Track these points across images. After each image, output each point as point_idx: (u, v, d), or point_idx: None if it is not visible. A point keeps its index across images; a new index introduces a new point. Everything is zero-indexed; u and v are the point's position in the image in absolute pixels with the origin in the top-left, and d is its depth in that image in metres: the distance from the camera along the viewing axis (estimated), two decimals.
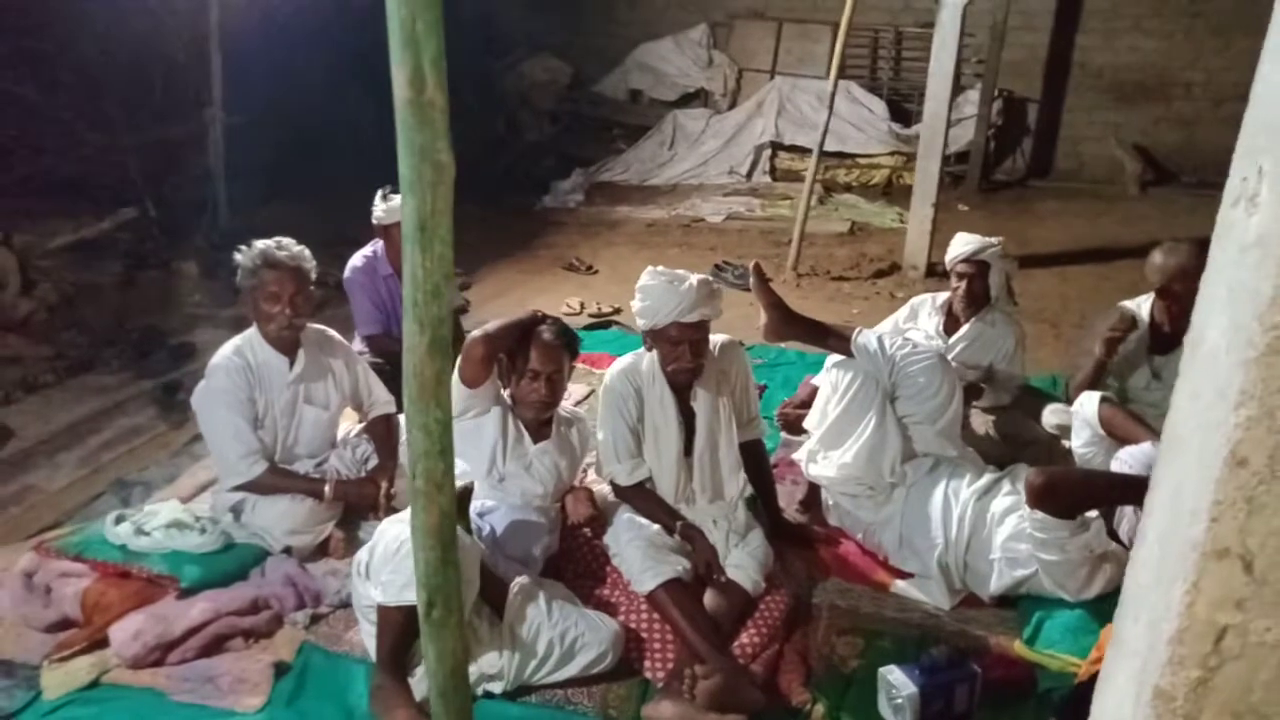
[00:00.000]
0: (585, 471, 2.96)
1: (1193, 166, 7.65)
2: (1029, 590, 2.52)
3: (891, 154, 7.77)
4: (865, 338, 2.79)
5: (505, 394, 2.63)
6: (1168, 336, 3.16)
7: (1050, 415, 3.32)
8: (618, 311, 5.12)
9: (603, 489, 2.80)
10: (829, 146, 7.31)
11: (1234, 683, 0.65)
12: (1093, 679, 2.04)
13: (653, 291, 2.55)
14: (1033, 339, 4.10)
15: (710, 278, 2.65)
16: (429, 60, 0.84)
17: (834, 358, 2.93)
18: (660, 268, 2.63)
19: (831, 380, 2.83)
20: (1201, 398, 0.63)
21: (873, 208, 7.16)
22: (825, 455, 2.81)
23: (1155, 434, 2.60)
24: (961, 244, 3.38)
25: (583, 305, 5.22)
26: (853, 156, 7.83)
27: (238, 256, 2.67)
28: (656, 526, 2.56)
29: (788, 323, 2.91)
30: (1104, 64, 7.83)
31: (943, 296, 3.51)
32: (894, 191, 7.50)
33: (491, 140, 8.35)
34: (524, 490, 2.55)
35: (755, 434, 2.82)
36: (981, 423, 3.31)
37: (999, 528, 2.53)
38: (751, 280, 2.89)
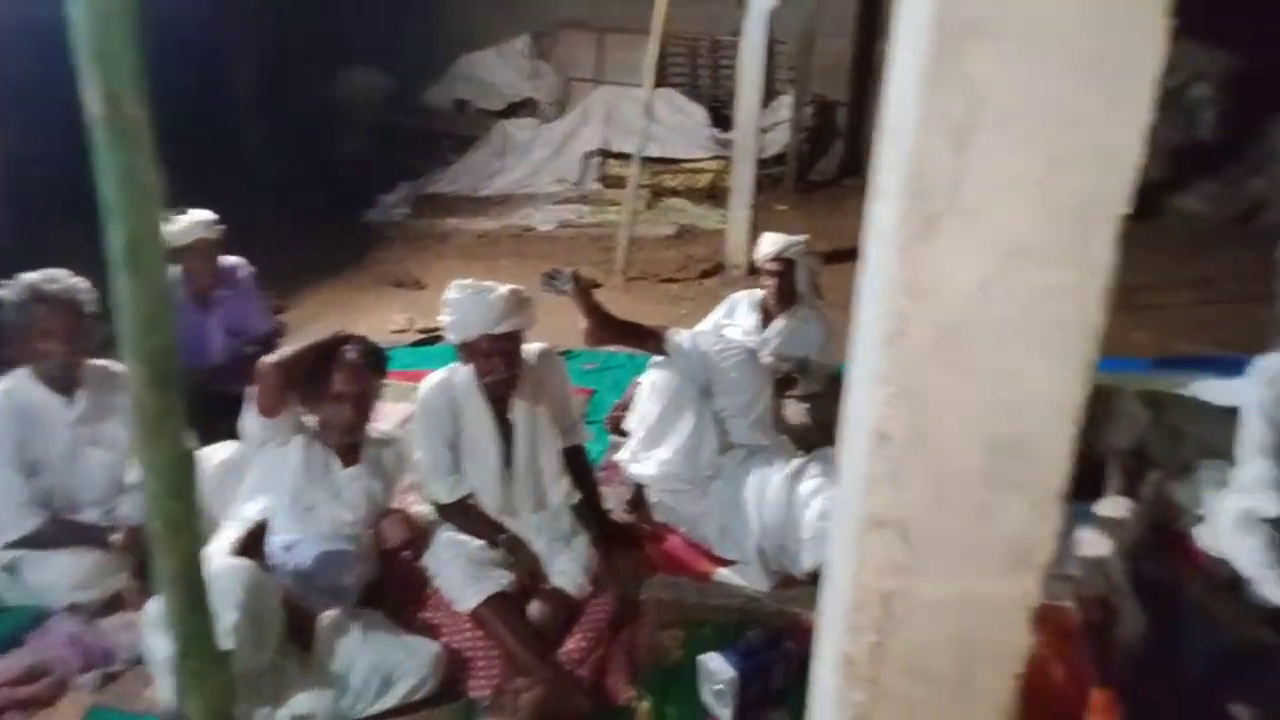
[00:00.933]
0: (408, 493, 2.89)
1: None
2: None
3: (714, 159, 8.01)
4: (679, 337, 2.87)
5: (312, 420, 2.53)
6: None
7: None
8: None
9: (423, 509, 2.74)
10: (656, 153, 7.48)
11: (905, 644, 0.70)
12: None
13: (460, 305, 2.53)
14: (845, 328, 4.33)
15: (522, 287, 2.65)
16: (124, 72, 0.80)
17: (654, 358, 3.00)
18: (468, 280, 2.61)
19: (650, 380, 2.90)
20: (859, 380, 0.69)
21: (699, 211, 7.37)
22: (647, 454, 2.87)
23: None
24: (769, 244, 3.55)
25: (410, 322, 5.10)
26: (678, 162, 8.02)
27: (1, 293, 2.45)
28: (478, 542, 2.53)
29: (605, 326, 2.96)
30: None
31: (758, 294, 3.66)
32: (719, 194, 7.73)
33: (313, 154, 8.02)
34: (334, 518, 2.46)
35: (577, 440, 2.84)
36: (797, 411, 3.46)
37: (807, 509, 2.66)
38: (569, 287, 2.92)
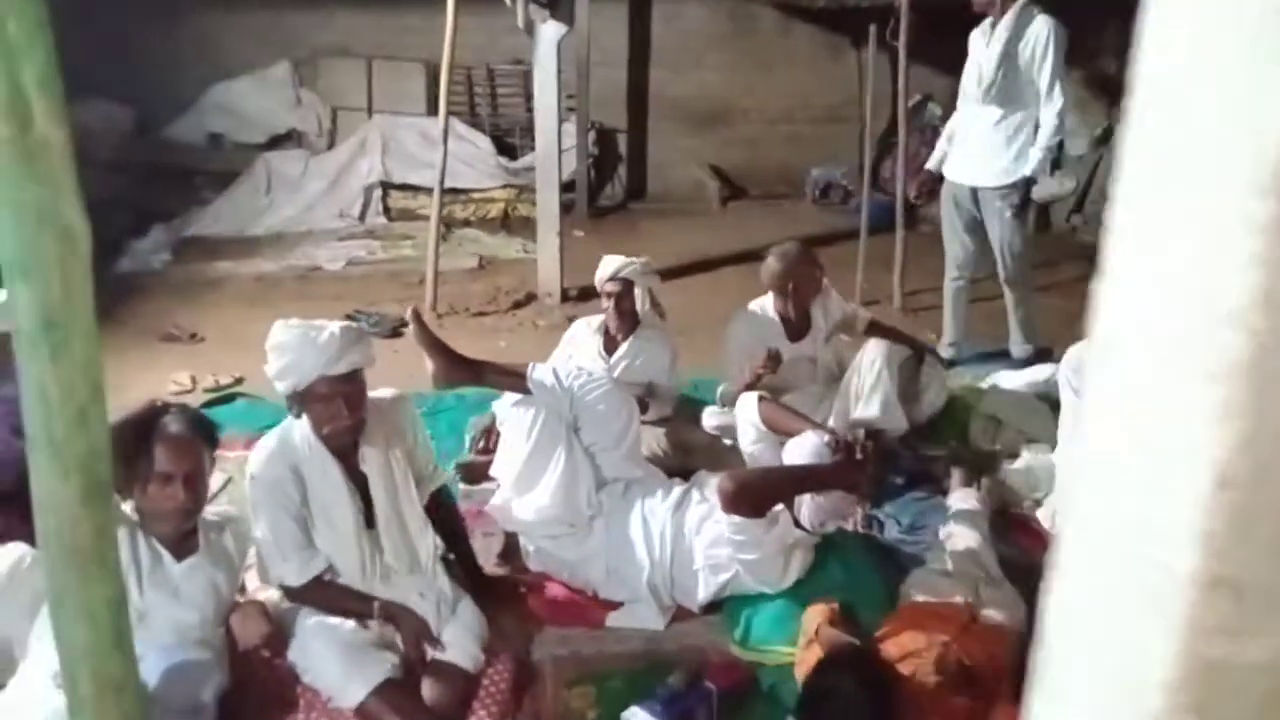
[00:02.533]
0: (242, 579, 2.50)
1: (758, 181, 8.76)
2: (733, 591, 2.61)
3: (504, 187, 7.88)
4: (540, 373, 2.72)
5: (128, 508, 2.11)
6: (795, 325, 3.53)
7: (709, 418, 3.52)
8: (240, 381, 4.51)
9: (273, 595, 2.38)
10: (445, 183, 7.21)
11: (1221, 716, 0.61)
12: (817, 672, 2.15)
13: (289, 348, 2.24)
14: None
15: (353, 323, 2.41)
16: (34, 80, 0.56)
17: (510, 397, 2.82)
18: (293, 320, 2.33)
19: (514, 422, 2.71)
20: (1143, 419, 0.58)
21: (496, 241, 7.19)
22: (520, 500, 2.68)
23: (811, 423, 2.85)
24: (606, 265, 3.49)
25: (194, 380, 4.52)
26: (467, 192, 7.80)
27: None
28: (350, 624, 2.22)
29: (456, 366, 2.76)
30: (676, 95, 8.68)
31: (598, 319, 3.58)
32: (512, 223, 7.60)
33: None
34: (175, 623, 2.06)
35: (438, 483, 2.60)
36: (652, 437, 3.39)
37: (697, 537, 2.59)
38: (412, 327, 2.71)
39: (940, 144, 4.43)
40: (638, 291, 3.49)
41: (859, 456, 2.54)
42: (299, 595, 2.28)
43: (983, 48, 4.02)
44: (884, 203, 6.03)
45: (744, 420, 2.98)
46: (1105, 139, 7.08)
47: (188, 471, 2.08)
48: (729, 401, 3.32)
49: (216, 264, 6.49)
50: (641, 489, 2.73)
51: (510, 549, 2.83)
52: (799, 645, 2.37)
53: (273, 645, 2.21)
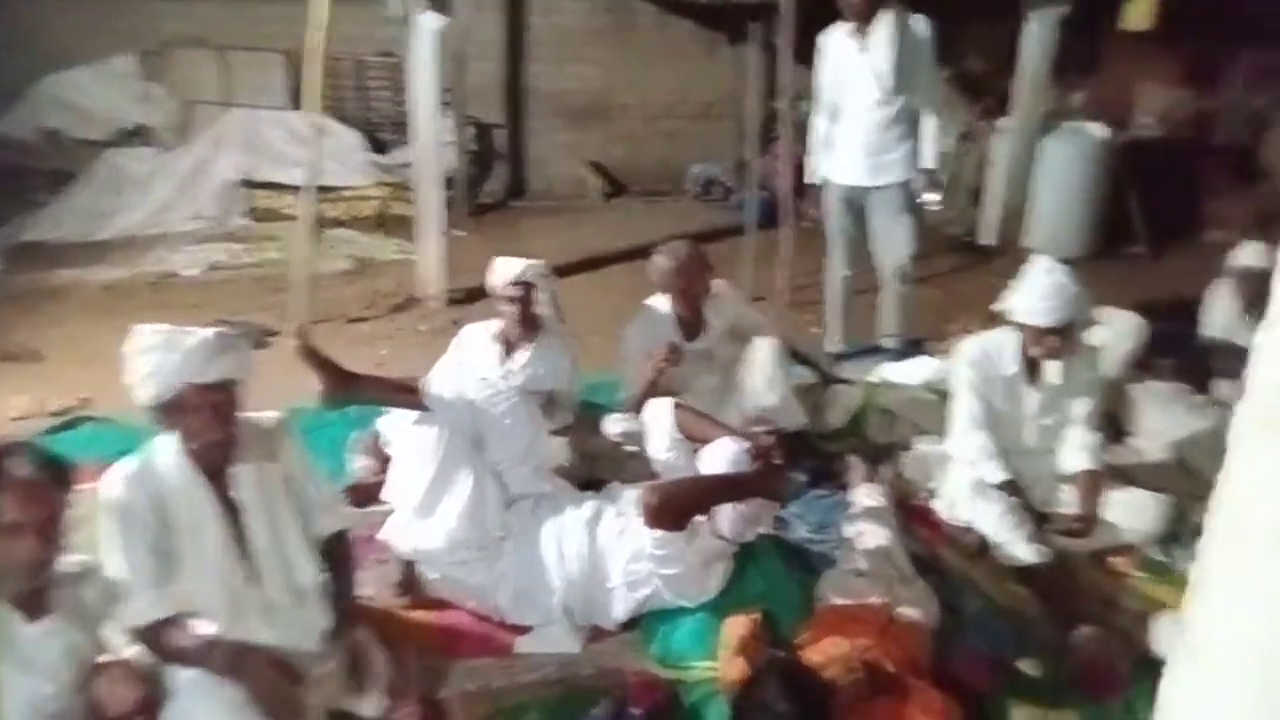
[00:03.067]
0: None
1: (640, 177, 8.71)
2: (651, 607, 2.52)
3: (377, 185, 7.52)
4: (439, 387, 2.55)
5: None
6: (690, 323, 3.48)
7: (612, 425, 3.41)
8: (87, 403, 4.10)
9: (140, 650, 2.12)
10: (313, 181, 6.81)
11: None
12: (746, 688, 2.08)
13: (152, 354, 2.04)
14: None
15: (227, 330, 2.19)
16: None
17: (405, 414, 2.64)
18: (159, 325, 2.12)
19: (414, 441, 2.53)
20: None
21: (371, 241, 6.86)
22: (422, 525, 2.50)
23: (728, 429, 2.78)
24: (504, 268, 3.33)
25: (41, 403, 4.08)
26: (337, 189, 7.40)
27: None
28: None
29: (345, 383, 2.57)
30: (554, 90, 8.51)
31: (494, 325, 3.41)
32: (388, 222, 7.27)
33: None
34: (29, 696, 1.78)
35: (338, 525, 2.37)
36: (557, 446, 3.26)
37: (613, 553, 2.49)
38: (296, 345, 2.49)
39: (818, 155, 4.46)
40: (541, 295, 3.36)
41: (777, 461, 2.50)
42: (151, 641, 2.02)
43: (855, 51, 4.06)
44: (763, 198, 6.09)
45: (657, 428, 2.88)
46: (968, 136, 7.39)
47: (40, 520, 1.81)
48: (634, 407, 3.22)
49: (57, 272, 5.93)
50: (551, 505, 2.60)
51: (408, 578, 2.64)
52: (720, 659, 2.31)
53: (146, 710, 1.96)
